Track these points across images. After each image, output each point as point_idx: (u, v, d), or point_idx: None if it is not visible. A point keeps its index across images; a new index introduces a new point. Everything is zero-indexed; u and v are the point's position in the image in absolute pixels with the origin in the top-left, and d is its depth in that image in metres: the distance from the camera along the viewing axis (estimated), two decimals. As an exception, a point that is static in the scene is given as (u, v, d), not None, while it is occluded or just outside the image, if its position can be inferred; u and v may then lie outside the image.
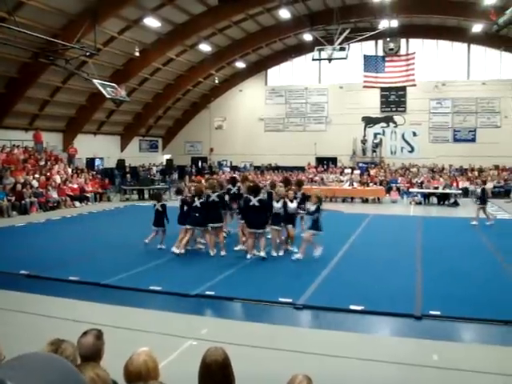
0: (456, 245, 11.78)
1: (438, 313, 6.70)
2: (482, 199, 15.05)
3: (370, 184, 23.83)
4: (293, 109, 31.59)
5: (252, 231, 10.20)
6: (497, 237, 12.83)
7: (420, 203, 21.46)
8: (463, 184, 24.38)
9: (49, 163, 21.93)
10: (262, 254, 10.11)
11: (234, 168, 31.20)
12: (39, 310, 6.92)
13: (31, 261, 9.73)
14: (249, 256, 10.23)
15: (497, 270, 9.27)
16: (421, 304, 7.09)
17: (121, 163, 27.73)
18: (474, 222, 14.69)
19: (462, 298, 7.42)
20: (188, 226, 10.71)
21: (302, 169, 28.64)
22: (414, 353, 5.61)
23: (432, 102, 28.75)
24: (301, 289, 7.86)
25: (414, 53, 27.82)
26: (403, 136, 29.51)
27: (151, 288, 7.98)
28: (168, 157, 33.49)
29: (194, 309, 7.31)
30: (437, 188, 21.75)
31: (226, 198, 11.68)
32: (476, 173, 26.07)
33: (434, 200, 21.54)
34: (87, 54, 17.59)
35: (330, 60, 22.16)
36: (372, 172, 26.90)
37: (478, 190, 16.02)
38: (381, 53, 28.74)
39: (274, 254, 10.54)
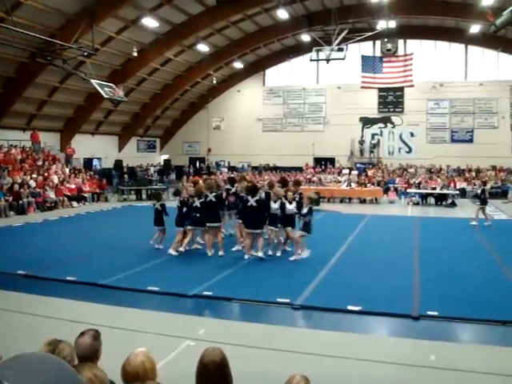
0: (453, 245, 11.79)
1: (435, 313, 6.70)
2: (482, 200, 15.09)
3: (368, 184, 23.88)
4: (291, 109, 31.58)
5: (250, 231, 10.19)
6: (494, 237, 12.85)
7: (418, 204, 21.50)
8: (461, 184, 24.47)
9: (46, 163, 21.90)
10: (260, 254, 10.11)
11: (231, 168, 31.16)
12: (36, 310, 6.90)
13: (29, 261, 9.72)
14: (246, 256, 10.21)
15: (494, 270, 9.27)
16: (418, 304, 7.09)
17: (118, 163, 27.69)
18: (474, 223, 14.72)
19: (459, 298, 7.42)
20: (189, 227, 10.75)
21: (299, 169, 28.65)
22: (411, 353, 5.61)
23: (430, 103, 28.78)
24: (298, 289, 7.85)
25: (412, 53, 27.93)
26: (401, 136, 29.56)
27: (149, 288, 7.96)
28: (166, 157, 33.47)
29: (191, 309, 7.32)
30: (434, 188, 21.79)
31: (224, 196, 11.68)
32: (473, 173, 26.16)
33: (432, 200, 21.59)
34: (85, 53, 17.55)
35: (327, 60, 22.24)
36: (370, 172, 26.94)
37: (478, 191, 16.04)
38: (379, 53, 28.78)
39: (270, 252, 10.56)
